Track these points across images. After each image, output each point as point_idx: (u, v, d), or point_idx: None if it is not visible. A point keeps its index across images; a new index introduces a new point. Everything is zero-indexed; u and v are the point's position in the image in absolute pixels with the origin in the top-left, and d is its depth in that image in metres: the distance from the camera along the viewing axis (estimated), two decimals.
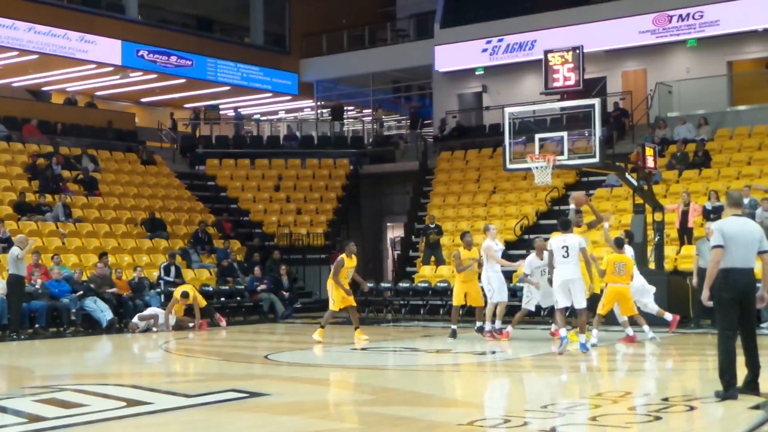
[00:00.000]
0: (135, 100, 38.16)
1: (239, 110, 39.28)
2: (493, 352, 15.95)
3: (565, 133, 19.15)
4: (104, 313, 21.10)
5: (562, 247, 14.73)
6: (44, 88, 35.56)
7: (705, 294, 9.60)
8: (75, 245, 24.43)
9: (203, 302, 22.26)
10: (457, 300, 18.05)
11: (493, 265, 17.69)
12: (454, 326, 17.88)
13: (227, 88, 36.61)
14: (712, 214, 22.39)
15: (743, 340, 9.42)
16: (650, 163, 21.27)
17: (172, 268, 24.18)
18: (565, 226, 15.16)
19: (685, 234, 22.53)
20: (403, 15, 40.54)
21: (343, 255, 17.61)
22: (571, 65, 19.07)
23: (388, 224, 34.32)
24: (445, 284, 24.41)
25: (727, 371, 9.24)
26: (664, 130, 28.06)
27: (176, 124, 34.89)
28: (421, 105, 40.19)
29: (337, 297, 17.48)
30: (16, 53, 30.56)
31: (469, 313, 19.74)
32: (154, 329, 20.91)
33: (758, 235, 9.36)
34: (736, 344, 9.33)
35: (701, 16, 28.80)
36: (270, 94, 38.51)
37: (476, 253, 18.07)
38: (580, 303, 14.79)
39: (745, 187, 22.53)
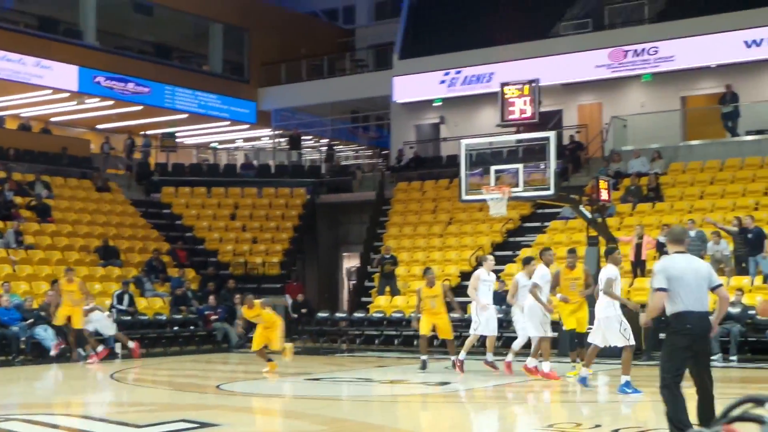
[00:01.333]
0: (91, 127, 37.87)
1: (198, 138, 39.13)
2: (447, 383, 15.92)
3: (520, 165, 19.26)
4: (54, 341, 20.81)
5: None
6: None
7: (643, 319, 8.94)
8: (26, 272, 24.14)
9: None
10: (423, 329, 17.72)
11: (484, 296, 17.19)
12: (424, 357, 17.65)
13: (185, 115, 36.46)
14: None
15: (698, 389, 8.35)
16: (604, 196, 21.43)
17: (126, 297, 23.96)
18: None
19: (639, 267, 22.76)
20: (362, 45, 40.77)
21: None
22: (527, 98, 19.19)
23: (344, 254, 34.26)
24: (400, 315, 24.41)
25: (678, 420, 8.12)
26: (619, 164, 28.35)
27: (134, 143, 34.55)
28: (379, 135, 40.30)
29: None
30: None
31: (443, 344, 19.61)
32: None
33: (705, 271, 8.57)
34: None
35: (656, 52, 29.20)
36: (228, 123, 38.41)
37: (438, 289, 17.99)
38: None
39: (690, 222, 22.83)
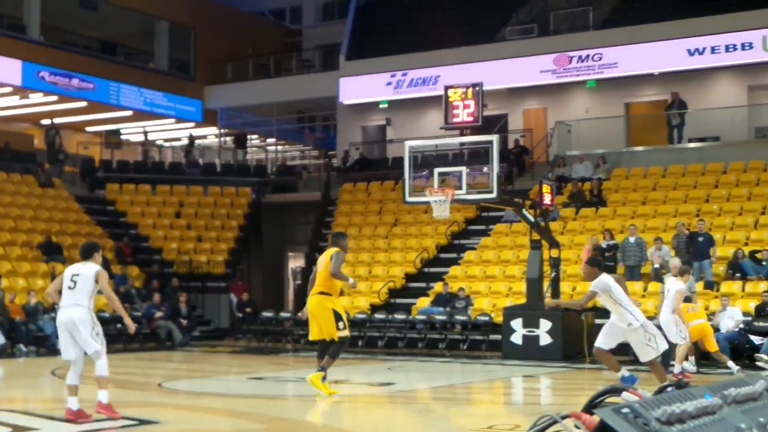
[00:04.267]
0: (35, 122, 37.42)
1: (144, 134, 38.84)
2: (391, 384, 16.03)
3: (464, 168, 19.44)
4: None
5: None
6: None
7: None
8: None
9: None
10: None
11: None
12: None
13: (130, 112, 36.19)
14: (606, 252, 23.02)
15: None
16: (547, 200, 21.73)
17: None
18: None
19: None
20: (309, 46, 40.76)
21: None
22: (471, 101, 19.37)
23: (290, 254, 34.26)
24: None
25: None
26: (563, 168, 28.69)
27: (57, 133, 33.86)
28: (325, 136, 40.32)
29: None
30: None
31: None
32: None
33: None
34: None
35: (600, 58, 29.59)
36: (173, 120, 38.18)
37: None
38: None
39: (631, 227, 23.24)
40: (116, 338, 24.20)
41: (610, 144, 29.51)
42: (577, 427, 3.81)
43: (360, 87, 33.83)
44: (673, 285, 15.51)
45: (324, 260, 13.16)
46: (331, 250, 13.14)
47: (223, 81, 38.20)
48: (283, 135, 41.22)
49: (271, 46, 39.83)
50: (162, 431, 10.10)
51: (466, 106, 19.27)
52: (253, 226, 32.64)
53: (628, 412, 3.63)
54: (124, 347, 23.75)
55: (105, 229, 29.88)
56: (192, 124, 38.92)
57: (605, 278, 12.37)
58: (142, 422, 10.58)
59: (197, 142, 39.89)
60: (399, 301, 25.46)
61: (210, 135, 41.27)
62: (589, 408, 3.95)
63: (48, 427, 10.44)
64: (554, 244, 21.51)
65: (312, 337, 13.53)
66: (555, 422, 3.86)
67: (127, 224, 31.02)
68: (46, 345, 21.87)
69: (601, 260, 15.35)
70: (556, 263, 21.34)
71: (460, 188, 19.09)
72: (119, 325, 24.43)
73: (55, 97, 33.74)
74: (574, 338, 20.17)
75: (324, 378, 13.04)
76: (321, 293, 13.10)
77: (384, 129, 34.92)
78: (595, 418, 3.76)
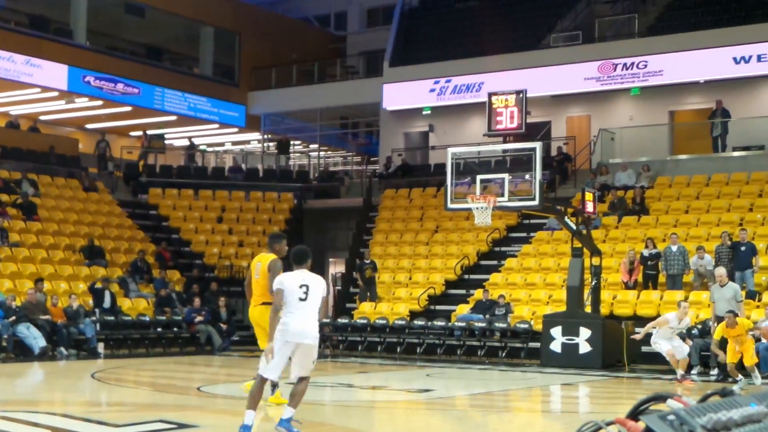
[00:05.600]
0: (79, 126, 37.84)
1: (190, 140, 39.12)
2: (429, 390, 15.96)
3: (506, 175, 19.36)
4: (37, 340, 20.79)
5: None
6: None
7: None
8: (10, 270, 24.08)
9: None
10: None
11: None
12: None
13: (174, 117, 36.47)
14: (649, 261, 22.80)
15: None
16: (590, 208, 21.56)
17: (106, 294, 23.97)
18: None
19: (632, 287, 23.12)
20: (353, 52, 40.83)
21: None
22: (515, 108, 19.28)
23: (331, 260, 34.28)
24: (384, 321, 24.45)
25: None
26: (606, 176, 28.46)
27: (107, 144, 34.21)
28: (368, 142, 40.35)
29: None
30: None
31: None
32: None
33: None
34: None
35: (645, 66, 29.34)
36: (217, 126, 38.42)
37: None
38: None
39: (673, 235, 22.98)
40: (156, 342, 24.41)
41: (654, 152, 29.25)
42: None
43: (403, 93, 33.82)
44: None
45: (261, 269, 11.98)
46: (268, 257, 11.94)
47: (266, 87, 38.38)
48: (326, 141, 41.34)
49: (316, 52, 39.95)
50: None
51: (509, 113, 19.19)
52: (295, 231, 32.67)
53: (674, 419, 3.60)
54: (164, 351, 23.88)
55: (147, 234, 30.09)
56: (235, 130, 39.16)
57: None
58: (181, 426, 10.60)
59: (240, 147, 40.14)
60: (439, 307, 25.38)
61: (253, 140, 41.49)
62: (634, 415, 3.90)
63: (86, 429, 10.49)
64: (596, 252, 21.33)
65: (263, 345, 12.75)
66: (600, 428, 3.81)
67: (169, 229, 31.21)
68: (86, 348, 22.03)
69: None
70: (597, 271, 21.17)
71: (502, 195, 19.00)
72: (159, 329, 24.70)
73: (100, 102, 34.13)
74: (614, 347, 19.99)
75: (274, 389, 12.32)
76: (264, 304, 11.80)
77: (426, 135, 34.88)
78: (641, 425, 3.72)
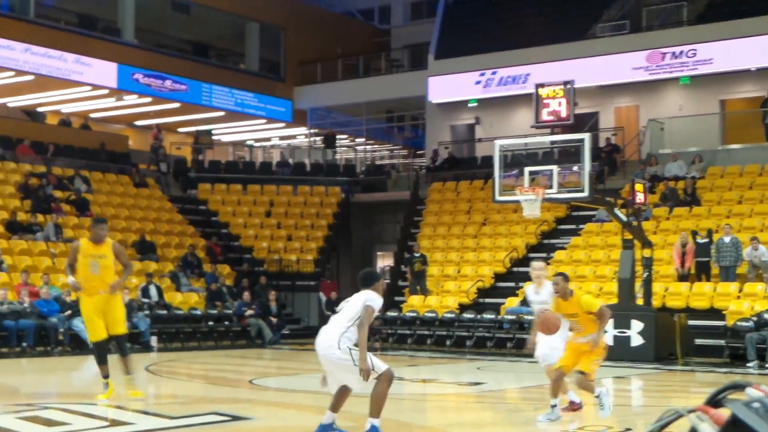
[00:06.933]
0: (129, 123, 38.24)
1: (234, 135, 39.40)
2: (480, 384, 15.94)
3: (555, 167, 19.27)
4: None
5: None
6: (39, 109, 35.59)
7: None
8: (65, 265, 24.35)
9: None
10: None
11: None
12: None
13: (221, 113, 36.72)
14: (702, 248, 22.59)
15: None
16: (640, 199, 21.40)
17: (152, 288, 24.22)
18: None
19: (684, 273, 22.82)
20: (397, 45, 40.81)
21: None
22: (563, 99, 19.17)
23: (378, 253, 34.36)
24: (433, 314, 24.44)
25: None
26: (656, 167, 28.20)
27: (161, 136, 34.49)
28: (414, 135, 40.34)
29: None
30: (12, 73, 30.63)
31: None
32: None
33: None
34: None
35: (694, 54, 29.01)
36: (264, 121, 38.64)
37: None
38: None
39: (726, 226, 22.70)
40: (208, 335, 24.65)
41: (705, 142, 28.91)
42: (700, 419, 3.73)
43: (449, 86, 33.76)
44: None
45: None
46: (110, 240, 12.38)
47: (312, 81, 38.51)
48: (372, 134, 41.38)
49: (360, 46, 40.00)
50: (254, 427, 10.20)
51: (557, 104, 19.09)
52: (343, 225, 32.82)
53: (759, 406, 3.58)
54: (216, 345, 24.09)
55: (197, 229, 30.36)
56: (282, 124, 39.34)
57: None
58: (235, 418, 10.70)
59: (286, 141, 40.31)
60: (488, 300, 25.33)
61: (299, 135, 41.65)
62: (711, 403, 3.88)
63: (142, 421, 10.62)
64: (647, 243, 21.15)
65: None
66: (681, 416, 3.80)
67: (218, 223, 31.47)
68: (139, 341, 22.27)
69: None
70: (648, 263, 20.98)
71: (550, 187, 18.92)
72: (210, 322, 24.93)
73: (149, 99, 34.44)
74: (667, 340, 19.83)
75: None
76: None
77: (473, 128, 34.79)
78: (724, 412, 3.70)
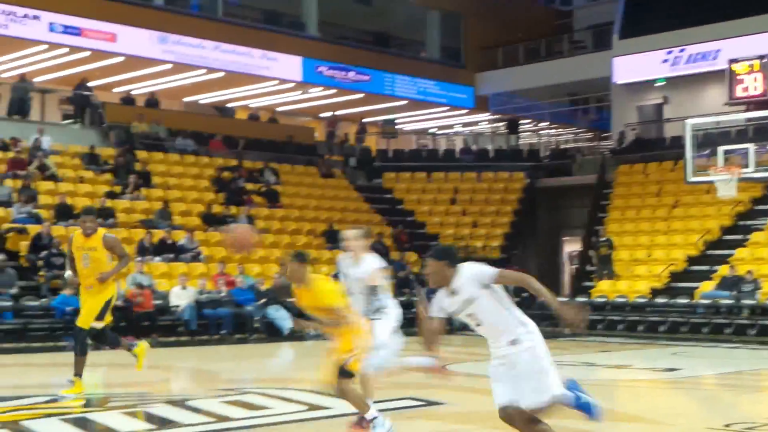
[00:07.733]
0: (314, 115, 39.09)
1: (417, 124, 39.68)
2: (675, 369, 15.52)
3: (751, 145, 18.60)
4: (286, 321, 21.68)
5: None
6: (228, 105, 36.86)
7: None
8: (258, 255, 25.20)
9: None
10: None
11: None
12: None
13: (404, 102, 37.04)
14: None
15: None
16: None
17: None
18: None
19: None
20: (580, 26, 40.10)
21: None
22: (758, 74, 18.45)
23: (565, 238, 33.92)
24: (624, 299, 23.97)
25: None
26: None
27: (365, 128, 35.13)
28: (599, 117, 39.60)
29: None
30: (204, 71, 31.76)
31: None
32: None
33: None
34: None
35: None
36: (446, 108, 38.74)
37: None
38: None
39: None
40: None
41: None
42: None
43: (634, 66, 32.94)
44: None
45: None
46: (101, 231, 11.54)
47: (493, 67, 38.32)
48: (556, 118, 40.86)
49: (542, 28, 39.48)
50: (448, 411, 10.29)
51: (752, 80, 18.38)
52: (528, 210, 32.57)
53: None
54: (405, 332, 24.32)
55: (383, 217, 30.77)
56: (464, 111, 39.35)
57: None
58: (429, 403, 10.81)
59: (469, 128, 40.30)
60: (681, 284, 24.63)
61: (482, 121, 41.55)
62: None
63: (337, 404, 10.84)
64: None
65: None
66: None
67: (404, 211, 31.79)
68: None
69: None
70: None
71: (746, 166, 18.24)
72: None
73: (333, 91, 35.09)
74: None
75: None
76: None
77: (660, 108, 33.81)
78: None
